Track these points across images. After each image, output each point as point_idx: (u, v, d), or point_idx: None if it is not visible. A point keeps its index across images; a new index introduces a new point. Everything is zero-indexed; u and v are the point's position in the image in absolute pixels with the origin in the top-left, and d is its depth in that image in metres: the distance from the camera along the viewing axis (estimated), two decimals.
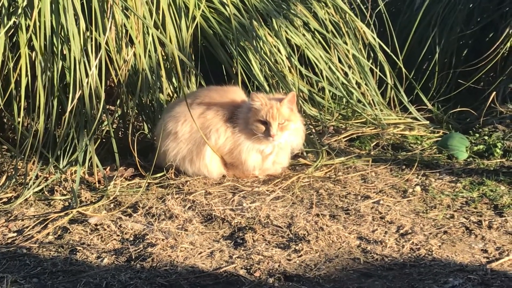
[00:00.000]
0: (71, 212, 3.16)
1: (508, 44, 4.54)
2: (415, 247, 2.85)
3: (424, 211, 3.21)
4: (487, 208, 3.23)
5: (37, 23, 3.49)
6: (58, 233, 3.01)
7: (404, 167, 3.74)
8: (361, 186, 3.50)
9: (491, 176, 3.56)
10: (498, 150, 3.86)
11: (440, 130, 4.28)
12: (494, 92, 4.35)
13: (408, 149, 4.01)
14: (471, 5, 4.98)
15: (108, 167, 3.65)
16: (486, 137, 4.07)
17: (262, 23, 4.29)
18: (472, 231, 3.00)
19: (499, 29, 4.77)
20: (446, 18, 4.93)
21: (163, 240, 2.88)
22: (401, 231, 2.99)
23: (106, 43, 3.57)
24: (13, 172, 3.47)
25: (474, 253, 2.82)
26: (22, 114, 3.54)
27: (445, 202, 3.29)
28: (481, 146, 3.93)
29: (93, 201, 3.32)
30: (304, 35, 4.44)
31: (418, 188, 3.45)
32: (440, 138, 4.10)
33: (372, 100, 4.51)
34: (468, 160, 3.84)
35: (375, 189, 3.45)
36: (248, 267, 2.71)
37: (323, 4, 4.63)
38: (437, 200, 3.32)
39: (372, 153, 3.96)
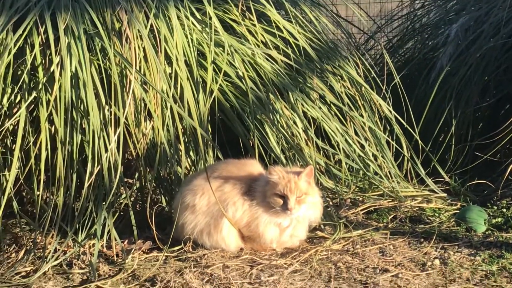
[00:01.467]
0: (90, 285, 3.16)
1: None
2: None
3: (444, 284, 3.18)
4: (507, 282, 3.20)
5: (57, 98, 3.55)
6: None
7: (422, 240, 3.73)
8: (380, 259, 3.48)
9: (510, 249, 3.53)
10: None
11: (458, 203, 4.27)
12: None
13: (426, 222, 4.00)
14: (486, 78, 5.01)
15: (126, 240, 3.65)
16: (504, 210, 4.06)
17: (279, 97, 4.33)
18: None
19: None
20: (462, 91, 4.96)
21: None
22: None
23: (125, 117, 3.61)
24: (32, 246, 3.48)
25: None
26: (41, 187, 3.57)
27: (465, 275, 3.27)
28: (500, 219, 3.92)
29: (111, 274, 3.32)
30: (320, 108, 4.48)
31: (437, 262, 3.43)
32: (458, 211, 4.09)
33: (389, 172, 4.52)
34: (487, 233, 3.83)
35: (394, 262, 3.43)
36: None
37: (339, 77, 4.67)
38: (456, 273, 3.30)
39: (390, 225, 3.95)
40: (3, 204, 3.44)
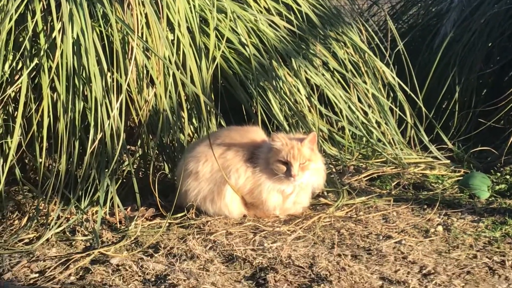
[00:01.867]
0: (93, 252, 3.16)
1: None
2: (438, 287, 2.83)
3: (447, 251, 3.18)
4: (510, 248, 3.20)
5: (59, 65, 3.53)
6: (80, 274, 3.01)
7: (425, 206, 3.73)
8: (383, 226, 3.48)
9: None
10: None
11: (461, 169, 4.26)
12: None
13: (429, 189, 4.00)
14: (490, 44, 4.99)
15: (129, 207, 3.65)
16: (507, 176, 4.05)
17: (282, 63, 4.31)
18: (496, 271, 2.97)
19: None
20: (466, 57, 4.93)
21: (184, 280, 2.88)
22: (424, 271, 2.97)
23: (127, 83, 3.59)
24: (35, 213, 3.48)
25: None
26: (44, 154, 3.56)
27: (468, 242, 3.27)
28: (503, 186, 3.91)
29: (115, 241, 3.32)
30: (323, 74, 4.46)
31: (440, 228, 3.43)
32: (461, 178, 4.08)
33: (392, 139, 4.51)
34: (490, 199, 3.82)
35: (397, 229, 3.44)
36: None
37: (342, 44, 4.65)
38: (459, 240, 3.30)
39: (393, 192, 3.95)
40: (5, 171, 3.43)
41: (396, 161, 4.29)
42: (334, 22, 4.68)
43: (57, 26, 3.52)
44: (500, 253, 3.15)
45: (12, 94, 3.71)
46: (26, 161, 3.98)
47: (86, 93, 3.67)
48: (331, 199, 3.80)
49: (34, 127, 3.57)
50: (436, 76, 4.94)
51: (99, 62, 3.56)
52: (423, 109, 4.59)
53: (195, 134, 4.07)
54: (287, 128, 4.19)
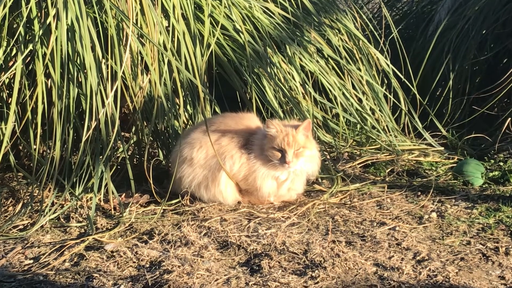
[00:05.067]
0: (87, 239, 3.17)
1: None
2: (432, 274, 2.84)
3: (441, 237, 3.19)
4: (504, 235, 3.21)
5: (54, 51, 3.52)
6: (75, 260, 3.01)
7: (419, 193, 3.74)
8: (377, 212, 3.49)
9: (507, 202, 3.54)
10: None
11: (455, 156, 4.27)
12: (509, 118, 4.34)
13: (423, 175, 4.01)
14: (484, 32, 4.99)
15: (124, 194, 3.65)
16: (501, 163, 4.06)
17: (276, 50, 4.31)
18: (489, 258, 2.98)
19: None
20: (460, 45, 4.93)
21: (179, 267, 2.88)
22: (418, 258, 2.98)
23: (122, 70, 3.59)
24: (29, 199, 3.48)
25: (492, 280, 2.81)
26: (38, 141, 3.56)
27: (461, 228, 3.28)
28: (497, 172, 3.92)
29: (109, 228, 3.33)
30: (318, 61, 4.46)
31: (434, 215, 3.44)
32: (455, 164, 4.09)
33: (386, 126, 4.52)
34: (484, 186, 3.84)
35: (391, 215, 3.45)
36: None
37: (337, 31, 4.64)
38: (453, 226, 3.31)
39: (387, 179, 3.96)
40: None
41: (390, 148, 4.30)
42: (328, 9, 4.68)
43: (52, 12, 3.51)
44: (494, 239, 3.16)
45: (6, 81, 3.70)
46: (20, 147, 3.98)
47: (80, 80, 3.66)
48: (326, 185, 3.81)
49: (28, 113, 3.56)
50: (430, 63, 4.94)
51: (93, 48, 3.56)
52: (417, 96, 4.60)
53: (190, 121, 4.06)
54: (282, 115, 4.19)
